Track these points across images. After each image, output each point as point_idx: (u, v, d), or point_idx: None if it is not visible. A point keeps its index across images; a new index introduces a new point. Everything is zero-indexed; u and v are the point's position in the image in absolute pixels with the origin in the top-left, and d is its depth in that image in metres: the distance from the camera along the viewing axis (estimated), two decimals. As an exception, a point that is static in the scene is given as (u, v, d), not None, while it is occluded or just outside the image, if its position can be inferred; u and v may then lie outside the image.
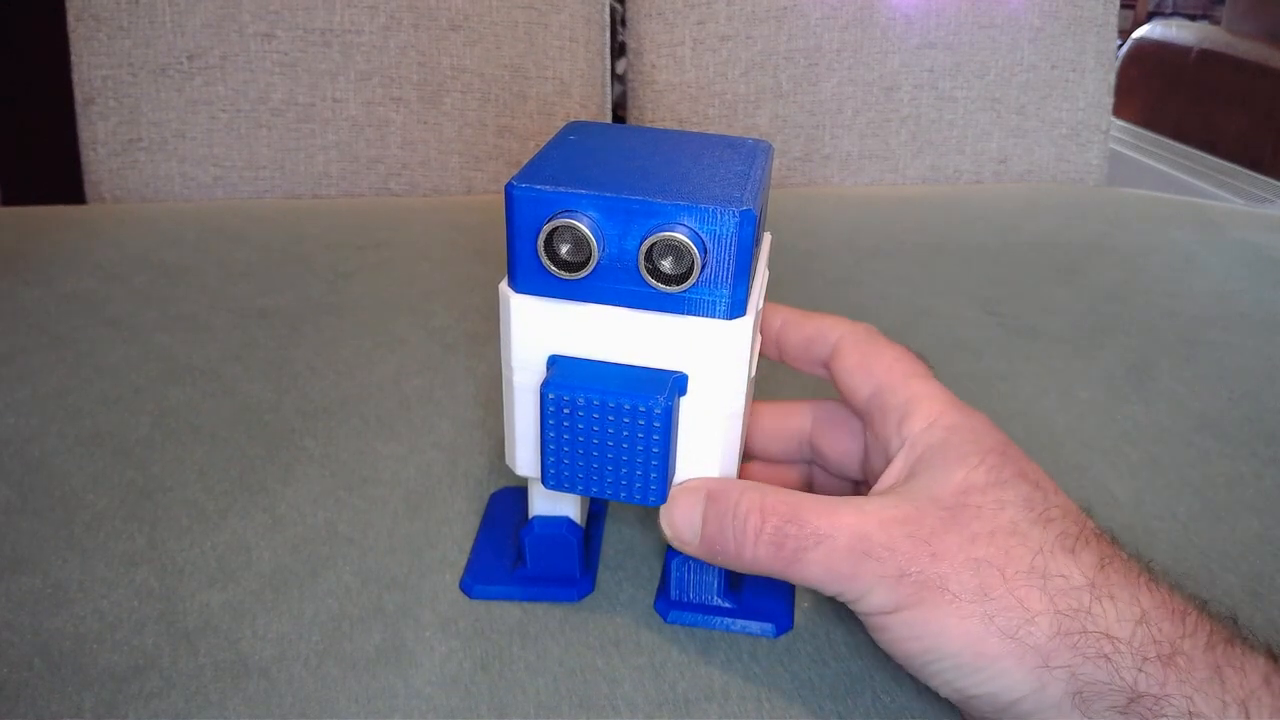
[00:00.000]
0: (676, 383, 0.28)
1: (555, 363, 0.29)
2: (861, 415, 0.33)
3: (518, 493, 0.39)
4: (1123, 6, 1.09)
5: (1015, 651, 0.25)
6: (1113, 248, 0.67)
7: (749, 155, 0.30)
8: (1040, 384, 0.49)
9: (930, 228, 0.71)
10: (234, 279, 0.58)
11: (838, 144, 0.86)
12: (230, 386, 0.46)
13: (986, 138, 0.87)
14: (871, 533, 0.27)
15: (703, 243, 0.27)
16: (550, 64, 0.82)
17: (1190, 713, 0.24)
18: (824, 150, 0.86)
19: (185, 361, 0.48)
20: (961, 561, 0.26)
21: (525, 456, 0.31)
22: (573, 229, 0.27)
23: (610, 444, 0.28)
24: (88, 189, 0.79)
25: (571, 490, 0.30)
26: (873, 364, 0.33)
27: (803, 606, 0.34)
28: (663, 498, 0.29)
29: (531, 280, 0.28)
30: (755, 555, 0.28)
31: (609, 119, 0.90)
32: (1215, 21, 2.50)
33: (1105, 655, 0.25)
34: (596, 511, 0.38)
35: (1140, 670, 0.24)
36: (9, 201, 0.94)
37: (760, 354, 0.34)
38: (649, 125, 0.86)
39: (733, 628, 0.33)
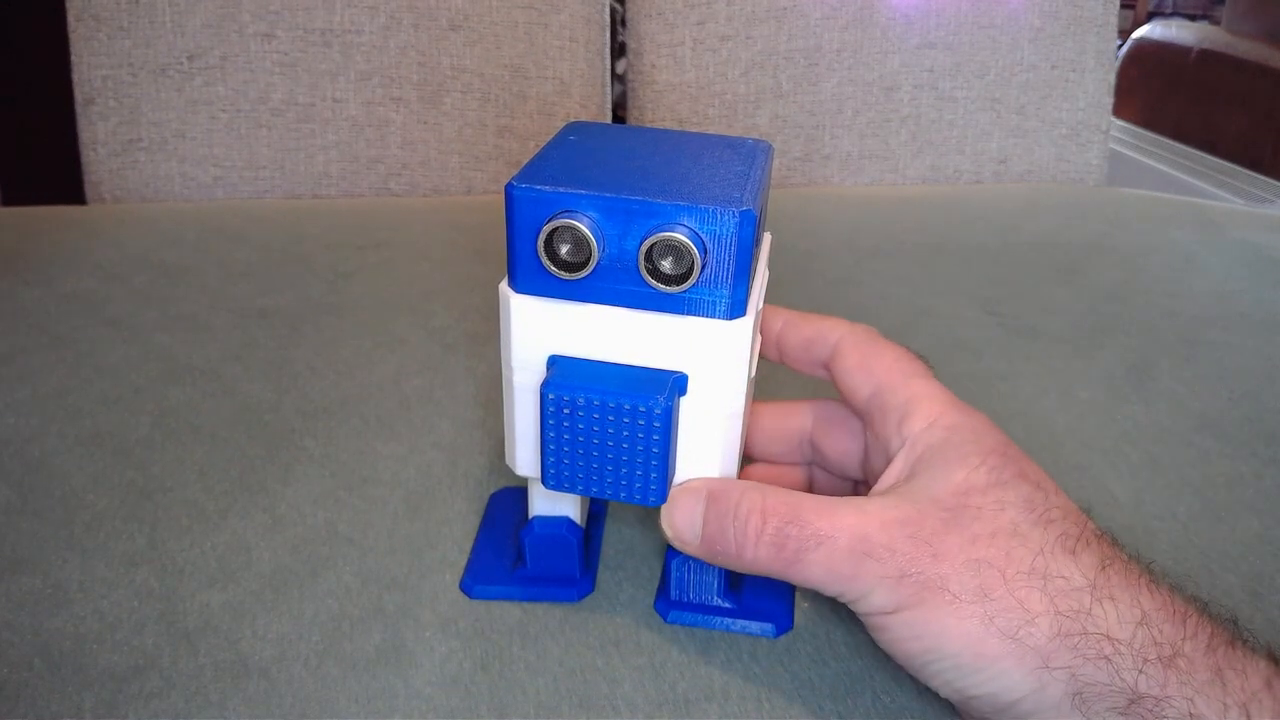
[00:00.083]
0: (676, 383, 0.28)
1: (555, 363, 0.29)
2: (862, 415, 0.33)
3: (518, 493, 0.39)
4: (1123, 6, 1.09)
5: (1015, 652, 0.25)
6: (1113, 248, 0.67)
7: (749, 155, 0.30)
8: (1040, 384, 0.49)
9: (930, 228, 0.71)
10: (234, 279, 0.58)
11: (838, 144, 0.86)
12: (230, 386, 0.46)
13: (986, 138, 0.87)
14: (872, 533, 0.27)
15: (703, 243, 0.27)
16: (550, 64, 0.82)
17: (1191, 714, 0.24)
18: (824, 150, 0.86)
19: (185, 361, 0.48)
20: (962, 562, 0.26)
21: (525, 456, 0.31)
22: (573, 229, 0.27)
23: (610, 444, 0.28)
24: (88, 189, 0.79)
25: (571, 490, 0.30)
26: (873, 364, 0.33)
27: (803, 606, 0.34)
28: (663, 498, 0.29)
29: (531, 280, 0.28)
30: (756, 556, 0.28)
31: (609, 119, 0.90)
32: (1215, 21, 2.50)
33: (1106, 657, 0.25)
34: (596, 511, 0.38)
35: (1141, 672, 0.24)
36: (9, 201, 0.94)
37: (760, 355, 0.34)
38: (649, 125, 0.86)
39: (733, 628, 0.33)
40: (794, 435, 0.36)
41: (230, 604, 0.33)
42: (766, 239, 0.33)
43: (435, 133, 0.81)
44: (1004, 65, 0.86)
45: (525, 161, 0.31)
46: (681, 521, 0.30)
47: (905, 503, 0.28)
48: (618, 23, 0.99)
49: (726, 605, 0.33)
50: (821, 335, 0.34)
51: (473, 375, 0.48)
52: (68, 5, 0.76)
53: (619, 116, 1.01)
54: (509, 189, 0.27)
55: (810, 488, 0.37)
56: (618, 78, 0.99)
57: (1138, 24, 2.48)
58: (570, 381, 0.28)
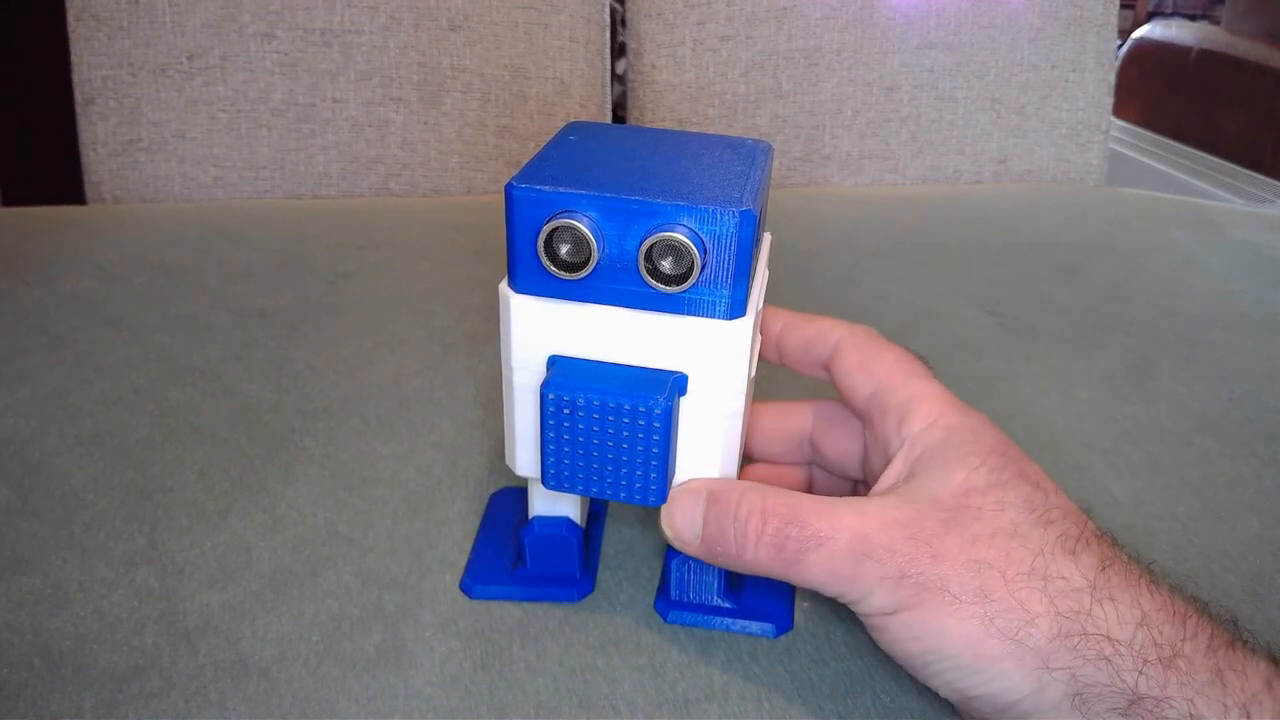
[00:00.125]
0: (676, 383, 0.28)
1: (555, 363, 0.29)
2: (861, 416, 0.33)
3: (518, 493, 0.39)
4: (1123, 6, 1.09)
5: (1015, 653, 0.25)
6: (1113, 248, 0.67)
7: (749, 155, 0.30)
8: (1040, 384, 0.49)
9: (930, 228, 0.71)
10: (234, 279, 0.58)
11: (838, 144, 0.86)
12: (230, 386, 0.46)
13: (986, 138, 0.87)
14: (872, 534, 0.27)
15: (702, 243, 0.27)
16: (550, 64, 0.82)
17: (1191, 715, 0.24)
18: (824, 150, 0.86)
19: (185, 361, 0.48)
20: (962, 563, 0.26)
21: (525, 457, 0.31)
22: (572, 229, 0.27)
23: (610, 444, 0.28)
24: (88, 189, 0.79)
25: (571, 490, 0.30)
26: (873, 365, 0.33)
27: (803, 606, 0.34)
28: (663, 498, 0.29)
29: (531, 280, 0.28)
30: (756, 557, 0.28)
31: (609, 119, 0.90)
32: (1215, 21, 2.50)
33: (1106, 657, 0.25)
34: (596, 511, 0.38)
35: (1141, 673, 0.24)
36: (9, 201, 0.94)
37: (760, 357, 0.34)
38: (649, 125, 0.86)
39: (733, 628, 0.33)
40: (794, 435, 0.36)
41: (230, 604, 0.33)
42: (766, 239, 0.33)
43: (435, 133, 0.81)
44: (1004, 65, 0.86)
45: (525, 161, 0.31)
46: (681, 522, 0.30)
47: (905, 503, 0.28)
48: (618, 23, 0.99)
49: (726, 605, 0.33)
50: (821, 336, 0.34)
51: (473, 375, 0.48)
52: (68, 5, 0.76)
53: (619, 116, 1.01)
54: (509, 189, 0.27)
55: (810, 488, 0.37)
56: (618, 78, 0.99)
57: (1138, 24, 2.48)
58: (570, 381, 0.28)
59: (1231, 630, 0.26)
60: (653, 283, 0.27)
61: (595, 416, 0.28)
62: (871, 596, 0.27)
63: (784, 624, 0.33)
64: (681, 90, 0.84)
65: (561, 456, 0.29)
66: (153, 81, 0.77)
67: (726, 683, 0.31)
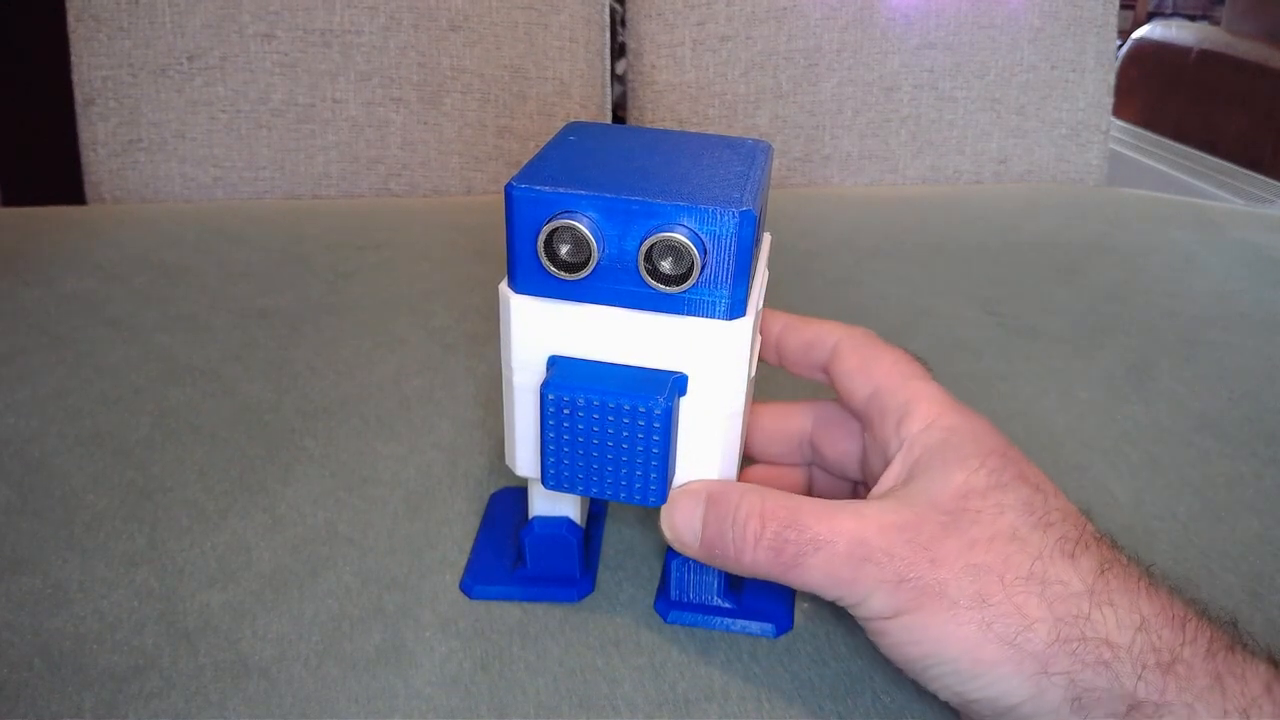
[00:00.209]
0: (676, 383, 0.28)
1: (555, 363, 0.29)
2: (860, 417, 0.33)
3: (518, 493, 0.39)
4: (1123, 6, 1.09)
5: (1013, 658, 0.25)
6: (1113, 248, 0.67)
7: (749, 155, 0.30)
8: (1040, 384, 0.49)
9: (930, 228, 0.71)
10: (234, 279, 0.58)
11: (838, 144, 0.86)
12: (230, 386, 0.46)
13: (986, 138, 0.87)
14: (871, 538, 0.27)
15: (702, 243, 0.27)
16: (550, 64, 0.82)
17: None
18: (824, 150, 0.86)
19: (185, 361, 0.48)
20: (960, 567, 0.26)
21: (525, 457, 0.31)
22: (572, 229, 0.27)
23: (610, 444, 0.28)
24: (88, 189, 0.79)
25: (571, 491, 0.30)
26: (872, 366, 0.33)
27: (802, 607, 0.34)
28: (662, 498, 0.29)
29: (531, 281, 0.28)
30: (754, 559, 0.28)
31: (609, 119, 0.90)
32: (1215, 21, 2.50)
33: (1104, 662, 0.25)
34: (596, 512, 0.38)
35: (1140, 678, 0.24)
36: (9, 201, 0.94)
37: (760, 358, 0.34)
38: (649, 125, 0.86)
39: (733, 628, 0.33)
40: (794, 436, 0.36)
41: (230, 604, 0.33)
42: (766, 239, 0.33)
43: (435, 133, 0.81)
44: (1004, 65, 0.86)
45: (525, 162, 0.31)
46: (681, 523, 0.30)
47: (904, 507, 0.28)
48: (618, 23, 0.99)
49: (726, 605, 0.33)
50: (820, 338, 0.34)
51: (473, 375, 0.48)
52: (68, 5, 0.76)
53: (619, 116, 1.01)
54: (508, 189, 0.27)
55: (810, 489, 0.37)
56: (618, 78, 0.99)
57: (1138, 24, 2.48)
58: (570, 382, 0.28)
59: (1231, 633, 0.26)
60: (653, 283, 0.27)
61: (595, 417, 0.28)
62: (870, 600, 0.27)
63: (784, 624, 0.33)
64: (681, 90, 0.84)
65: (561, 457, 0.29)
66: (153, 82, 0.77)
67: (726, 683, 0.31)
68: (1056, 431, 0.45)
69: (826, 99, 0.85)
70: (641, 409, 0.28)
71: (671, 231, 0.26)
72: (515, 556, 0.35)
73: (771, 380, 0.39)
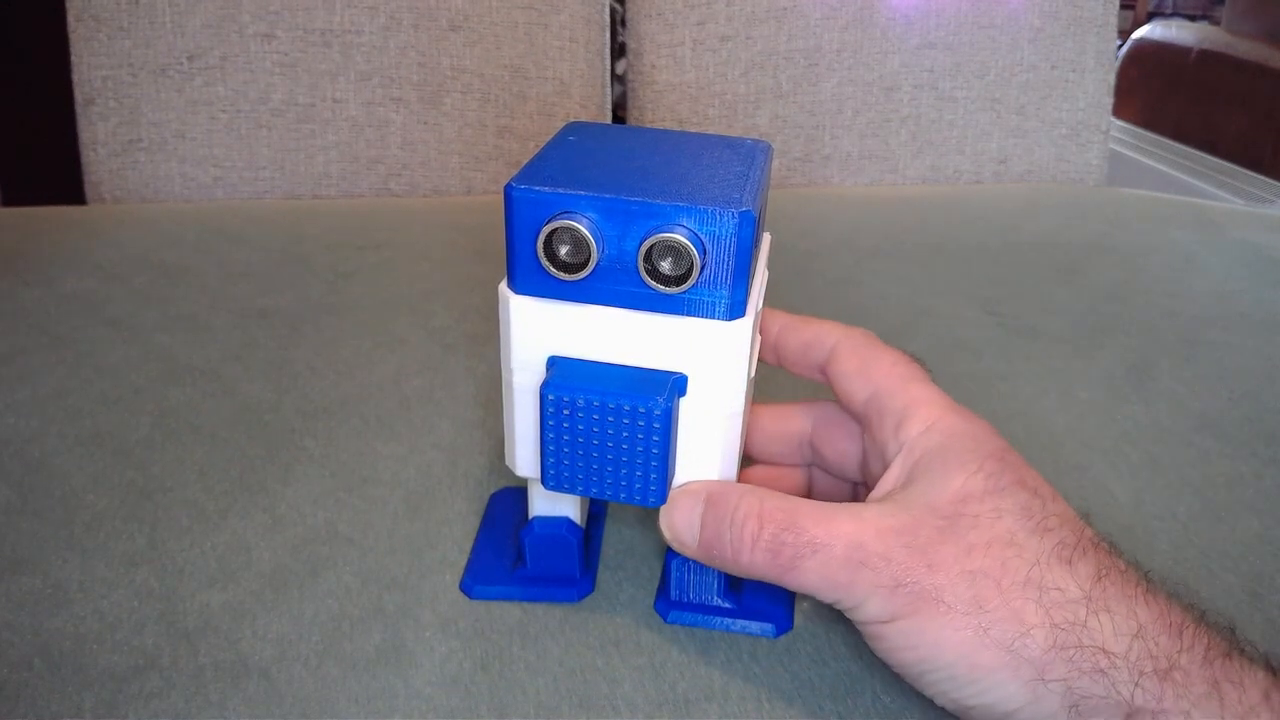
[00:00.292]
0: (676, 384, 0.28)
1: (555, 364, 0.29)
2: (859, 419, 0.33)
3: (518, 493, 0.39)
4: (1123, 6, 1.09)
5: (1010, 664, 0.25)
6: (1113, 248, 0.67)
7: (748, 156, 0.30)
8: (1040, 384, 0.49)
9: (930, 228, 0.71)
10: (234, 279, 0.58)
11: (838, 144, 0.86)
12: (230, 386, 0.46)
13: (986, 138, 0.87)
14: (868, 542, 0.27)
15: (702, 244, 0.27)
16: (550, 64, 0.82)
17: None
18: (824, 150, 0.86)
19: (185, 361, 0.48)
20: (957, 573, 0.26)
21: (525, 457, 0.31)
22: (572, 230, 0.27)
23: (610, 445, 0.28)
24: (88, 189, 0.79)
25: (571, 491, 0.30)
26: (870, 368, 0.32)
27: (802, 607, 0.34)
28: (662, 498, 0.29)
29: (531, 281, 0.28)
30: (752, 561, 0.28)
31: (609, 119, 0.90)
32: (1215, 21, 2.50)
33: (1101, 670, 0.24)
34: (596, 512, 0.38)
35: (1137, 685, 0.24)
36: (9, 201, 0.94)
37: (759, 358, 0.34)
38: (649, 125, 0.86)
39: (733, 628, 0.33)
40: (793, 437, 0.36)
41: (230, 604, 0.33)
42: (766, 239, 0.33)
43: (435, 133, 0.81)
44: (1004, 65, 0.86)
45: (525, 162, 0.31)
46: (680, 524, 0.30)
47: (901, 511, 0.28)
48: (618, 23, 0.99)
49: (726, 605, 0.33)
50: (819, 339, 0.34)
51: (473, 375, 0.48)
52: (68, 5, 0.76)
53: (619, 116, 1.01)
54: (508, 190, 0.27)
55: (810, 489, 0.37)
56: (618, 78, 0.99)
57: (1138, 24, 2.48)
58: (570, 382, 0.28)
59: (1229, 639, 0.26)
60: (652, 283, 0.27)
61: (595, 417, 0.28)
62: (866, 604, 0.27)
63: (784, 624, 0.33)
64: (681, 90, 0.84)
65: (561, 457, 0.29)
66: (153, 82, 0.77)
67: (726, 683, 0.31)
68: (1056, 431, 0.45)
69: (826, 99, 0.85)
70: (641, 409, 0.28)
71: (671, 232, 0.26)
72: (515, 556, 0.35)
73: (771, 380, 0.39)
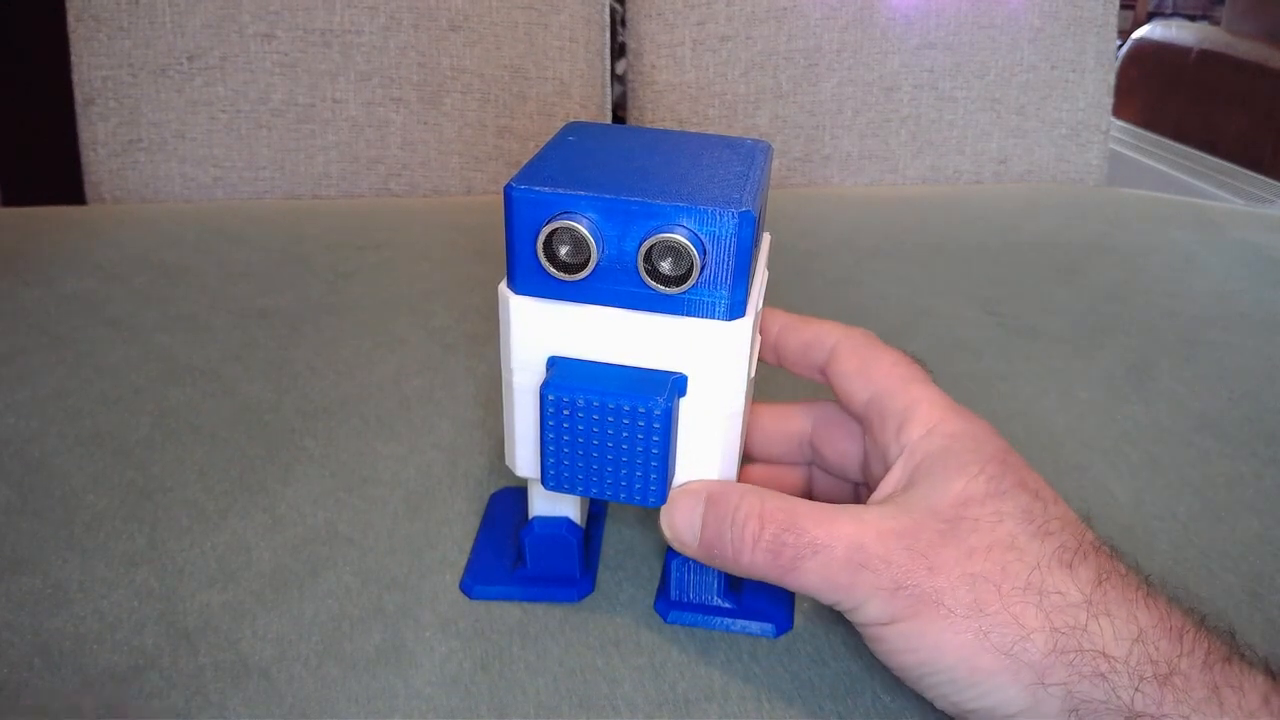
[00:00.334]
0: (676, 384, 0.28)
1: (555, 364, 0.29)
2: (860, 420, 0.33)
3: (518, 493, 0.39)
4: (1123, 6, 1.09)
5: (1010, 668, 0.25)
6: (1113, 248, 0.67)
7: (748, 156, 0.30)
8: (1040, 384, 0.49)
9: (930, 228, 0.71)
10: (234, 279, 0.58)
11: (838, 144, 0.86)
12: (230, 386, 0.46)
13: (986, 138, 0.87)
14: (869, 544, 0.27)
15: (702, 244, 0.27)
16: (550, 64, 0.82)
17: None
18: (824, 150, 0.86)
19: (185, 361, 0.48)
20: (958, 576, 0.26)
21: (525, 457, 0.31)
22: (572, 230, 0.27)
23: (610, 445, 0.28)
24: (88, 189, 0.79)
25: (571, 491, 0.30)
26: (871, 369, 0.32)
27: (802, 607, 0.34)
28: (662, 499, 0.29)
29: (531, 281, 0.28)
30: (753, 561, 0.28)
31: (609, 119, 0.90)
32: (1215, 21, 2.50)
33: (1101, 674, 0.24)
34: (596, 512, 0.38)
35: (1137, 690, 0.24)
36: (9, 201, 0.94)
37: (759, 358, 0.34)
38: (649, 125, 0.86)
39: (733, 628, 0.33)
40: (794, 437, 0.36)
41: (230, 604, 0.33)
42: (766, 239, 0.33)
43: (435, 133, 0.81)
44: (1004, 65, 0.86)
45: (525, 162, 0.31)
46: (680, 523, 0.30)
47: (902, 513, 0.28)
48: (618, 23, 0.99)
49: (726, 605, 0.33)
50: (819, 339, 0.34)
51: (473, 375, 0.48)
52: (68, 5, 0.76)
53: (619, 116, 1.01)
54: (508, 190, 0.27)
55: (810, 489, 0.37)
56: (618, 78, 0.99)
57: (1138, 24, 2.48)
58: (570, 382, 0.28)
59: (1229, 644, 0.26)
60: (652, 284, 0.27)
61: (595, 417, 0.28)
62: (866, 606, 0.27)
63: (784, 624, 0.33)
64: (681, 90, 0.84)
65: (561, 457, 0.29)
66: (153, 82, 0.77)
67: (726, 683, 0.31)
68: (1056, 432, 0.45)
69: (826, 99, 0.85)
70: (641, 409, 0.28)
71: (671, 232, 0.26)
72: (515, 556, 0.35)
73: (771, 380, 0.39)
